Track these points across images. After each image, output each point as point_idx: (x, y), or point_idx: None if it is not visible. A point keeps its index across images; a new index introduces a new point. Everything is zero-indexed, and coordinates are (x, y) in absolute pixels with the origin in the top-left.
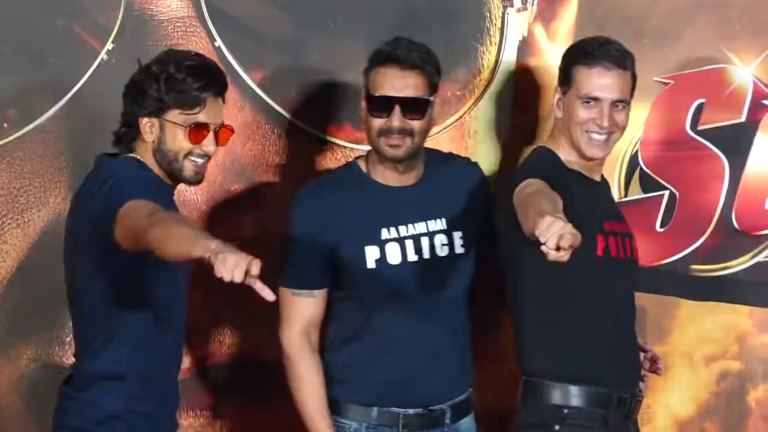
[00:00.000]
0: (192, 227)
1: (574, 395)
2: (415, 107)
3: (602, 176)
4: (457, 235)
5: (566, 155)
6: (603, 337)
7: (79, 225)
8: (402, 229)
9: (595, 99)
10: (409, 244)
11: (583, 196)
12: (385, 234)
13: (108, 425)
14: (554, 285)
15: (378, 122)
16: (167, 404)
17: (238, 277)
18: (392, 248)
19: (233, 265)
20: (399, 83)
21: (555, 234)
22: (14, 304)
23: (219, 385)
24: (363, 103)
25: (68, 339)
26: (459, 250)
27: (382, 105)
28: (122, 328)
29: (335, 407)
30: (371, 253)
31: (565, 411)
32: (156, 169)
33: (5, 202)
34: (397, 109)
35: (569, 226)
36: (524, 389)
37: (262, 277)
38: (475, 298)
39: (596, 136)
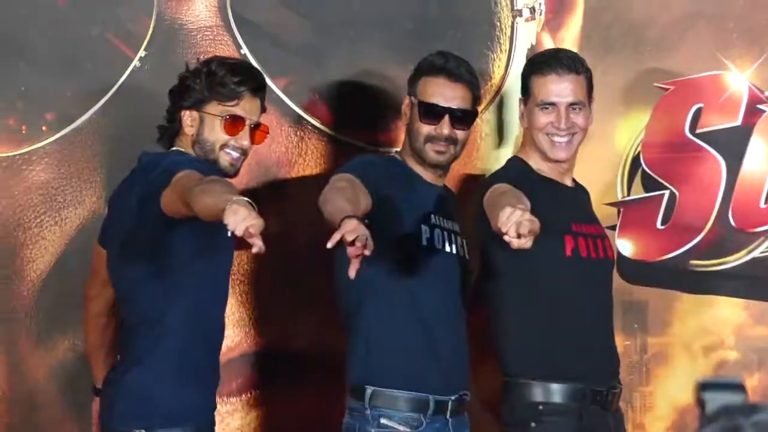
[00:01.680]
0: (231, 188)
1: (550, 392)
2: (463, 118)
3: (577, 183)
4: (465, 242)
5: (536, 163)
6: (576, 334)
7: (125, 215)
8: (443, 221)
9: (552, 104)
10: (448, 236)
11: (550, 199)
12: (434, 219)
13: (168, 410)
14: (527, 286)
15: (427, 128)
16: (214, 384)
17: (239, 231)
18: (438, 234)
19: (240, 219)
20: (449, 94)
21: (514, 222)
22: (52, 296)
23: (246, 374)
24: (406, 108)
25: None
26: (467, 255)
27: (433, 113)
28: (173, 314)
29: (386, 401)
30: (425, 233)
31: (541, 408)
32: None
33: (44, 201)
34: (446, 118)
35: (527, 214)
36: (504, 390)
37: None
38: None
39: (558, 138)
